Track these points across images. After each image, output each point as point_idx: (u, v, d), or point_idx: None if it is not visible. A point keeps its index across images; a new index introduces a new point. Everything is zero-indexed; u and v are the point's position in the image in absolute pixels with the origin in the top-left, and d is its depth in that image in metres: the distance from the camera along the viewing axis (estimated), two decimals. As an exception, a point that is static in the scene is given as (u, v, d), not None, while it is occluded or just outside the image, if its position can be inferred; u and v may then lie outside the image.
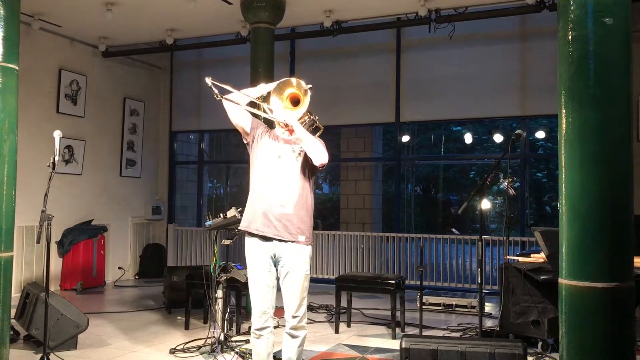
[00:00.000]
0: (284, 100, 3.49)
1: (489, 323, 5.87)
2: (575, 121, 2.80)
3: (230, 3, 6.59)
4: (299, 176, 3.52)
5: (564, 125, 2.85)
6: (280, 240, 3.47)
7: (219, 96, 3.39)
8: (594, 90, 2.77)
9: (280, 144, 3.58)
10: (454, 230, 9.90)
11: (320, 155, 3.43)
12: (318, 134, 3.78)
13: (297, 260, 3.48)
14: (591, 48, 2.78)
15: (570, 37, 2.82)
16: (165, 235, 9.63)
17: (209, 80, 3.36)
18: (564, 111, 2.85)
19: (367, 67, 8.46)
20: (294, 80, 3.50)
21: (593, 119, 2.76)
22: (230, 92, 3.53)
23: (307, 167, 3.54)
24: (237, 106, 3.58)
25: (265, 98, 3.66)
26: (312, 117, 3.70)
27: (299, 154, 3.54)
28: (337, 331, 5.43)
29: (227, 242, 4.87)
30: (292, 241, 3.46)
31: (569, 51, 2.83)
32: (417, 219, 14.31)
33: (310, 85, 3.48)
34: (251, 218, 3.54)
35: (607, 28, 2.76)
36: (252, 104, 3.67)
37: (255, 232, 3.51)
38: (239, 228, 3.61)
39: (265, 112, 3.65)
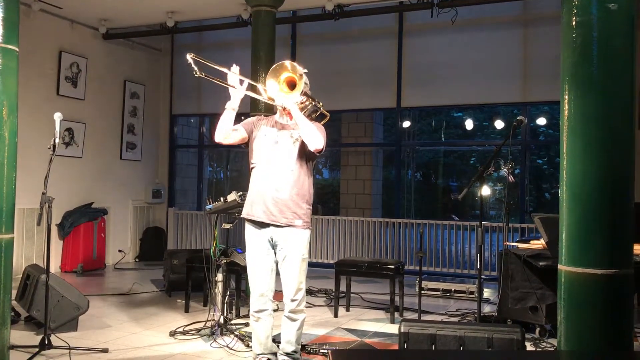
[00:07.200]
0: (280, 83, 3.47)
1: (487, 309, 5.90)
2: (578, 108, 2.79)
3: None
4: (295, 161, 3.51)
5: (566, 112, 2.84)
6: (276, 226, 3.47)
7: (198, 72, 3.27)
8: (597, 77, 2.75)
9: (278, 130, 3.58)
10: (453, 216, 9.93)
11: (315, 140, 3.41)
12: (324, 121, 3.77)
13: (295, 244, 3.49)
14: (595, 34, 2.76)
15: (574, 23, 2.80)
16: (166, 219, 9.65)
17: (189, 57, 3.26)
18: (566, 97, 2.83)
19: (369, 52, 8.40)
20: (288, 63, 3.47)
21: (596, 106, 2.75)
22: (213, 68, 3.39)
23: (305, 152, 3.53)
24: (229, 129, 3.52)
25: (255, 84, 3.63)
26: (314, 103, 3.68)
27: (297, 139, 3.53)
28: (336, 315, 5.46)
29: (228, 225, 4.88)
30: (288, 225, 3.47)
31: (573, 37, 2.81)
32: (417, 205, 14.32)
33: (305, 70, 3.46)
34: (249, 204, 3.56)
35: (611, 13, 2.74)
36: (250, 87, 3.65)
37: (252, 218, 3.52)
38: (242, 217, 3.60)
39: (261, 94, 3.63)
